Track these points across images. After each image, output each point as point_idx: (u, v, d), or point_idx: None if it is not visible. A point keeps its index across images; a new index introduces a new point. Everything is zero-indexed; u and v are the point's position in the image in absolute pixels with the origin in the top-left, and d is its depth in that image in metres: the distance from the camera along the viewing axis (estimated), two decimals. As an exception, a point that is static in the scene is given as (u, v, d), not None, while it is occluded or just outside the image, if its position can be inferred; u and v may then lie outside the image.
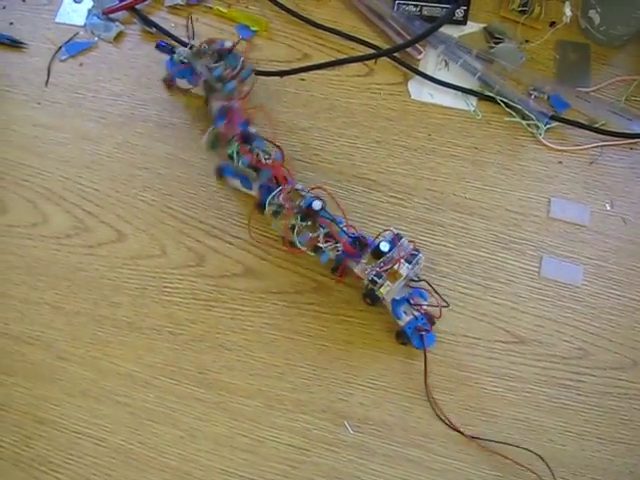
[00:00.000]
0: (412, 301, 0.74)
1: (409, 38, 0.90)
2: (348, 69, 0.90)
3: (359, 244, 0.73)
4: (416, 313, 0.74)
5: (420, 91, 0.88)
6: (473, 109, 0.87)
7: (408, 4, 0.90)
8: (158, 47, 0.87)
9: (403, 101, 0.88)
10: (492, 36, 0.91)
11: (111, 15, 0.92)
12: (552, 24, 0.92)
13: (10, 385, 0.75)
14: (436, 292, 0.74)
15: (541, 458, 0.71)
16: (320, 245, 0.73)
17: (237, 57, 0.81)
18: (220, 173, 0.82)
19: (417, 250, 0.72)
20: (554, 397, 0.75)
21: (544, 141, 0.86)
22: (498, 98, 0.87)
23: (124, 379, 0.76)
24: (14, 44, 0.92)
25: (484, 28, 0.92)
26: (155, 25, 0.91)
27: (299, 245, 0.74)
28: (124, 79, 0.90)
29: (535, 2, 0.92)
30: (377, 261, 0.72)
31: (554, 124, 0.87)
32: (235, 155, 0.79)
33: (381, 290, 0.71)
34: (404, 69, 0.89)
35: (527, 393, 0.75)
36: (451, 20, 0.90)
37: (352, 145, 0.85)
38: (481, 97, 0.88)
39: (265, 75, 0.88)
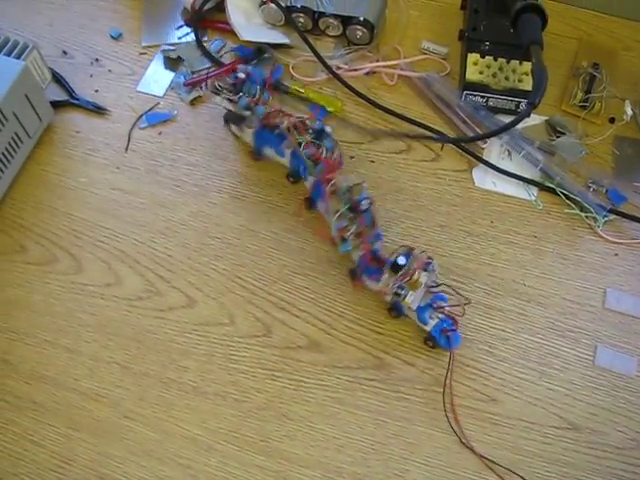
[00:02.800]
0: (434, 305, 0.78)
1: (474, 126, 0.93)
2: (415, 154, 0.94)
3: (377, 260, 0.79)
4: (440, 316, 0.78)
5: (484, 179, 0.92)
6: (534, 199, 0.90)
7: (475, 95, 0.94)
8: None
9: (467, 188, 0.92)
10: (554, 129, 0.94)
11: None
12: (612, 120, 0.96)
13: (75, 440, 0.77)
14: (456, 292, 0.80)
15: None
16: (345, 237, 0.79)
17: (253, 85, 0.87)
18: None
19: (430, 258, 0.77)
20: (607, 487, 0.75)
21: (601, 233, 0.88)
22: (558, 190, 0.90)
23: (188, 442, 0.77)
24: (98, 110, 0.97)
25: (546, 121, 0.95)
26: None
27: (332, 228, 0.80)
28: (200, 150, 0.94)
29: (596, 99, 0.96)
30: (396, 275, 0.76)
31: (611, 217, 0.90)
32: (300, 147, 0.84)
33: (406, 300, 0.76)
34: (469, 157, 0.92)
35: (580, 481, 0.75)
36: (516, 112, 0.93)
37: (417, 227, 0.88)
38: (542, 188, 0.91)
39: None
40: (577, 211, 0.89)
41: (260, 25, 1.02)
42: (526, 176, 0.92)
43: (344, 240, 0.80)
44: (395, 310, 0.81)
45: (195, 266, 0.86)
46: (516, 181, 0.92)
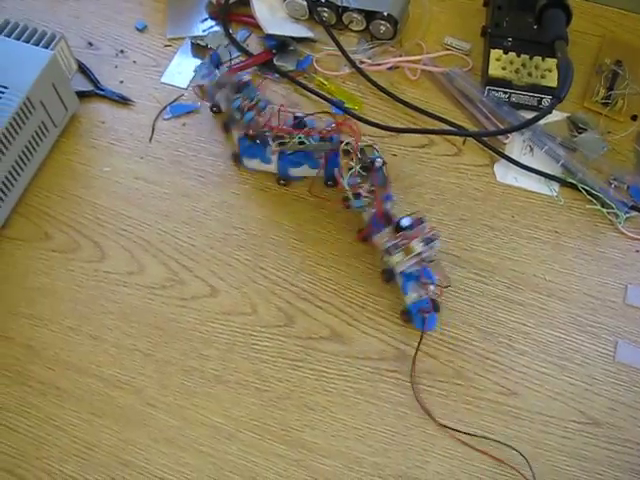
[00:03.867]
0: (421, 280, 0.79)
1: (496, 122, 0.93)
2: (437, 148, 0.94)
3: (386, 219, 0.80)
4: (422, 293, 0.79)
5: (505, 174, 0.92)
6: (556, 194, 0.91)
7: (498, 90, 0.95)
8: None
9: (489, 182, 0.92)
10: (576, 125, 0.94)
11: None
12: (634, 117, 0.96)
13: (98, 426, 0.78)
14: (442, 271, 0.80)
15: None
16: (360, 192, 0.81)
17: (253, 90, 0.88)
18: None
19: (435, 236, 0.78)
20: (626, 482, 0.75)
21: (623, 229, 0.89)
22: (580, 185, 0.90)
23: (209, 430, 0.78)
24: (123, 101, 0.98)
25: (568, 117, 0.95)
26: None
27: (345, 184, 0.82)
28: (224, 141, 0.94)
29: (618, 96, 0.96)
30: (396, 234, 0.78)
31: (633, 213, 0.90)
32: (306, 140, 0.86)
33: (393, 258, 0.77)
34: (491, 152, 0.93)
35: (599, 475, 0.76)
36: (538, 108, 0.94)
37: (439, 221, 0.89)
38: (563, 183, 0.91)
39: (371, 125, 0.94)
40: (598, 207, 0.89)
41: (284, 19, 1.03)
42: (548, 172, 0.92)
43: (357, 196, 0.82)
44: (386, 273, 0.83)
45: (218, 256, 0.87)
46: (538, 176, 0.92)
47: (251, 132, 0.87)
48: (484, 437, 0.77)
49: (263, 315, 0.83)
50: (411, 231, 0.78)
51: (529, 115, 0.93)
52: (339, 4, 0.99)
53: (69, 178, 0.92)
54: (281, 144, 0.86)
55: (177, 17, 1.04)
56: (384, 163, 0.82)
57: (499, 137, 0.94)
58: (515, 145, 0.94)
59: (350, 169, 0.82)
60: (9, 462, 0.76)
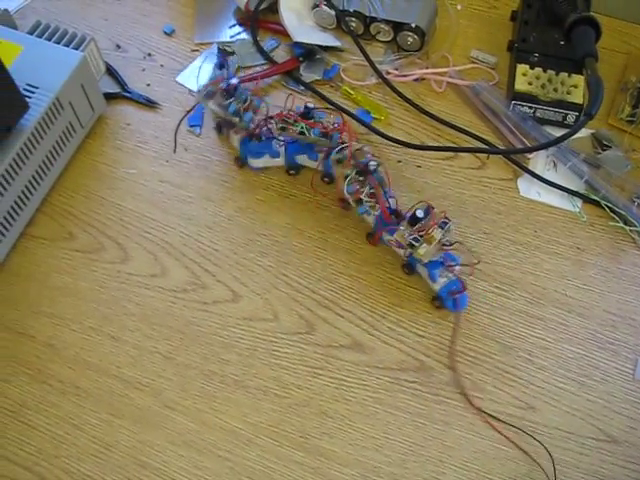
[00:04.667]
0: (446, 263, 0.80)
1: (521, 136, 0.94)
2: (461, 161, 0.94)
3: (396, 216, 0.82)
4: (450, 276, 0.80)
5: (529, 189, 0.92)
6: (578, 211, 0.91)
7: (523, 105, 0.95)
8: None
9: (512, 197, 0.92)
10: (600, 142, 0.95)
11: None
12: (659, 136, 0.96)
13: (117, 427, 0.78)
14: (469, 250, 0.83)
15: None
16: (362, 198, 0.82)
17: (244, 91, 0.89)
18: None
19: (447, 218, 0.79)
20: (644, 501, 0.75)
21: (644, 248, 0.88)
22: (603, 202, 0.90)
23: (227, 434, 0.78)
24: (149, 104, 0.98)
25: (592, 134, 0.96)
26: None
27: (346, 193, 0.83)
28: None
29: (643, 113, 0.96)
30: (413, 227, 0.79)
31: (655, 232, 0.89)
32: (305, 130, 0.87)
33: (419, 251, 0.78)
34: (514, 166, 0.93)
35: (616, 493, 0.75)
36: (563, 124, 0.94)
37: (461, 234, 0.89)
38: (586, 200, 0.92)
39: (392, 141, 0.94)
40: (621, 224, 0.89)
41: (312, 27, 1.03)
42: (571, 188, 0.92)
43: (360, 201, 0.83)
44: (408, 266, 0.84)
45: (241, 261, 0.87)
46: (561, 192, 0.92)
47: (256, 131, 0.88)
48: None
49: (284, 322, 0.83)
50: (426, 220, 0.79)
51: (553, 130, 0.94)
52: (367, 14, 0.99)
53: (94, 179, 0.93)
54: (282, 129, 0.87)
55: (205, 22, 1.05)
56: (379, 164, 0.83)
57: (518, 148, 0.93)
58: (539, 160, 0.94)
59: (346, 177, 0.83)
60: (28, 460, 0.76)
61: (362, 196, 0.82)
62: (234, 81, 0.89)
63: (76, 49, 0.91)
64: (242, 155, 0.92)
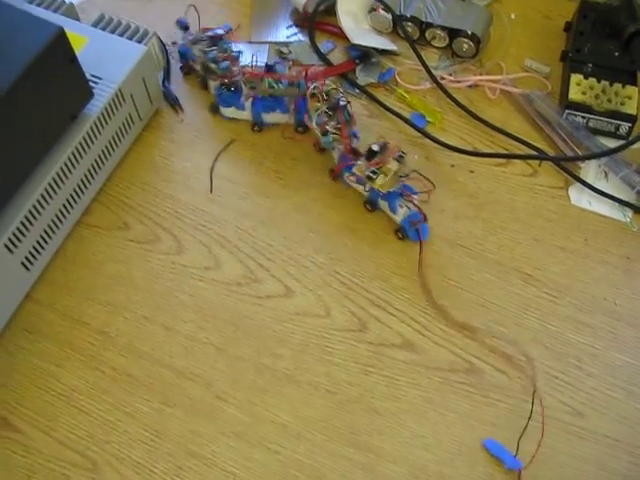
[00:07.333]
0: (404, 194, 0.85)
1: (573, 145, 0.94)
2: (514, 167, 0.95)
3: (355, 154, 0.87)
4: (410, 206, 0.85)
5: (580, 197, 0.93)
6: (629, 221, 0.91)
7: (576, 115, 0.95)
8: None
9: (563, 204, 0.93)
10: (652, 154, 0.95)
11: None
12: None
13: (168, 415, 0.79)
14: (423, 176, 0.87)
15: None
16: (328, 129, 0.88)
17: (227, 43, 0.95)
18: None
19: (403, 152, 0.85)
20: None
21: (694, 260, 0.89)
22: (654, 214, 0.91)
23: (278, 428, 0.79)
24: (174, 104, 1.01)
25: (644, 145, 0.96)
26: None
27: (313, 123, 0.88)
28: (305, 145, 0.97)
29: (697, 127, 0.96)
30: (370, 161, 0.84)
31: None
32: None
33: (377, 182, 0.83)
34: (566, 175, 0.94)
35: (665, 502, 0.75)
36: (615, 135, 0.95)
37: (513, 239, 0.90)
38: (637, 210, 0.92)
39: (445, 146, 0.96)
40: (672, 237, 0.89)
41: (368, 30, 1.04)
42: (622, 198, 0.93)
43: (325, 133, 0.88)
44: (370, 203, 0.89)
45: (294, 257, 0.88)
46: (612, 202, 0.93)
47: (227, 81, 0.93)
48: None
49: (337, 319, 0.84)
50: (382, 155, 0.85)
51: (605, 140, 0.95)
52: (423, 20, 1.00)
53: (150, 171, 0.94)
54: (252, 88, 0.92)
55: (261, 22, 1.06)
56: (348, 102, 0.88)
57: (575, 161, 0.94)
58: (590, 169, 0.95)
59: (317, 110, 0.87)
60: (80, 444, 0.77)
61: (328, 127, 0.87)
62: (220, 31, 0.95)
63: (139, 42, 0.92)
64: (217, 102, 0.96)
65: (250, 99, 0.92)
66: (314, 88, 0.88)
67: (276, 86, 0.90)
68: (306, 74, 0.90)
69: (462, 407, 0.80)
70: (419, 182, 0.88)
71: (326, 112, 0.88)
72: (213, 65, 0.93)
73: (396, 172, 0.84)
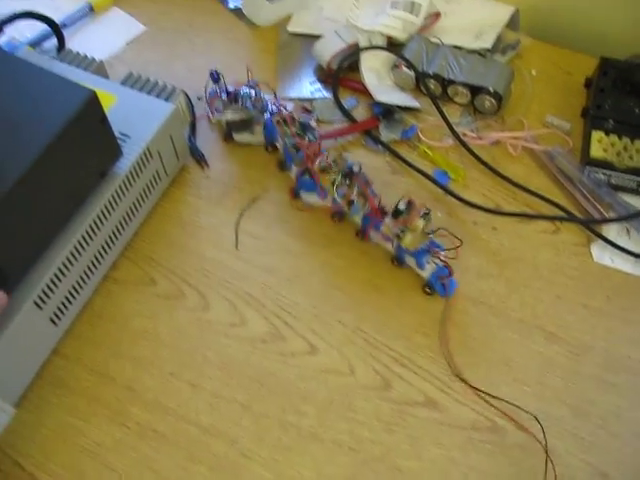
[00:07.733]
0: (431, 251, 0.85)
1: (595, 202, 0.95)
2: (537, 225, 0.96)
3: (382, 211, 0.87)
4: (437, 262, 0.86)
5: (602, 254, 0.94)
6: (651, 278, 0.92)
7: (598, 171, 0.96)
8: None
9: (585, 262, 0.94)
10: (675, 212, 0.96)
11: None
12: None
13: (193, 473, 0.79)
14: (450, 233, 0.85)
15: None
16: (353, 199, 0.88)
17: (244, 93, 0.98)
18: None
19: (428, 209, 0.84)
20: None
21: None
22: (677, 271, 0.91)
23: (302, 486, 0.78)
24: (199, 160, 1.03)
25: (667, 204, 0.97)
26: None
27: (337, 198, 0.89)
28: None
29: None
30: (397, 220, 0.85)
31: None
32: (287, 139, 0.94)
33: (405, 240, 0.84)
34: (589, 232, 0.94)
35: None
36: (637, 192, 0.96)
37: (535, 297, 0.90)
38: (660, 268, 0.92)
39: (468, 205, 0.97)
40: (697, 294, 0.90)
41: (391, 87, 1.06)
42: (644, 255, 0.93)
43: (351, 203, 0.89)
44: (397, 259, 0.90)
45: (319, 315, 0.89)
46: (634, 259, 0.93)
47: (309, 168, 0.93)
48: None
49: (360, 376, 0.85)
50: (408, 213, 0.85)
51: (627, 197, 0.96)
52: (446, 77, 1.01)
53: (176, 226, 0.95)
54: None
55: (286, 77, 1.08)
56: (360, 165, 0.88)
57: (597, 218, 0.95)
58: (613, 227, 0.95)
59: (333, 183, 0.88)
60: (106, 501, 0.77)
61: (353, 197, 0.88)
62: (231, 89, 0.98)
63: (166, 100, 0.94)
64: (296, 187, 0.97)
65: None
66: (321, 162, 0.89)
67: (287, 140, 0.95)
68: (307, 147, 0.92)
69: (484, 466, 0.80)
70: (445, 239, 0.88)
71: (342, 182, 0.89)
72: (293, 150, 0.93)
73: (423, 229, 0.84)
